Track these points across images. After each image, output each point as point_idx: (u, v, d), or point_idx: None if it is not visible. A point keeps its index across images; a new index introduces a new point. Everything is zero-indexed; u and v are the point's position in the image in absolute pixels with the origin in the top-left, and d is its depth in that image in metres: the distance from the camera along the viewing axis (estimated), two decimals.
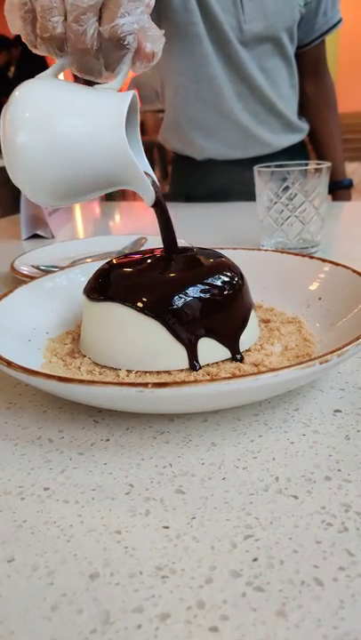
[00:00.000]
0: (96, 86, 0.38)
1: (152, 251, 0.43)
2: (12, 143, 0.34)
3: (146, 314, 0.35)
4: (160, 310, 0.35)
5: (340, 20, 1.06)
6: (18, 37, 0.38)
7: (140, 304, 0.36)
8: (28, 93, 0.35)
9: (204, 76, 1.00)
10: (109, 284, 0.39)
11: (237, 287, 0.38)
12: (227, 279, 0.38)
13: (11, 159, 0.35)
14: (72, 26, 0.35)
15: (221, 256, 0.41)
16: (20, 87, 0.35)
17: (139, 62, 0.38)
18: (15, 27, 0.37)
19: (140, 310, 0.36)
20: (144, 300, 0.36)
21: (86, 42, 0.35)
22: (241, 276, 0.40)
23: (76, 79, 0.39)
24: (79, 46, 0.35)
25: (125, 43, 0.36)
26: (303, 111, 1.13)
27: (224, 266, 0.39)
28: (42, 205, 0.39)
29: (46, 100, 0.35)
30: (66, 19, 0.35)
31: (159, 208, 0.40)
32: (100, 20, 0.35)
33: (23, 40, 0.37)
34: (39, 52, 0.37)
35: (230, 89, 1.02)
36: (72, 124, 0.35)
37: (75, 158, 0.35)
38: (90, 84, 0.39)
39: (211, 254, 0.41)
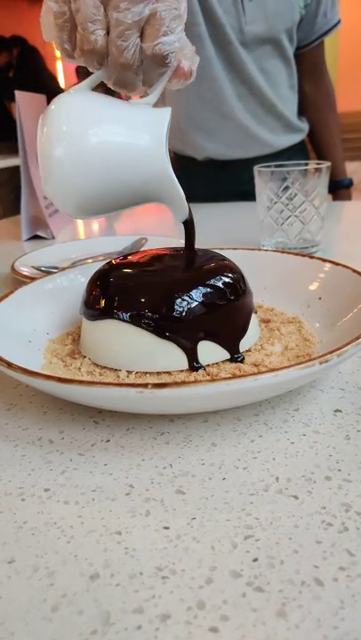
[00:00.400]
0: (131, 101, 0.38)
1: (149, 253, 0.43)
2: (49, 157, 0.34)
3: (144, 328, 0.35)
4: (158, 324, 0.35)
5: (339, 21, 1.06)
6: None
7: (137, 319, 0.36)
8: (64, 106, 0.35)
9: (206, 77, 1.00)
10: (105, 298, 0.38)
11: (239, 293, 0.38)
12: (228, 285, 0.38)
13: (47, 173, 0.35)
14: (115, 41, 0.34)
15: (223, 259, 0.41)
16: (56, 100, 0.35)
17: (176, 80, 0.38)
18: (49, 34, 0.36)
19: (138, 325, 0.36)
20: (141, 314, 0.36)
21: (129, 57, 0.35)
22: (243, 281, 0.40)
23: (107, 91, 0.39)
24: (121, 61, 0.35)
25: (167, 61, 0.36)
26: (303, 111, 1.13)
27: (225, 270, 0.39)
28: (71, 217, 0.39)
29: (84, 113, 0.35)
30: (108, 32, 0.35)
31: (189, 224, 0.40)
32: (142, 36, 0.35)
33: (56, 48, 0.37)
34: (75, 62, 0.37)
35: (231, 90, 1.02)
36: (111, 138, 0.34)
37: (112, 173, 0.35)
38: (115, 95, 0.39)
39: (211, 257, 0.41)
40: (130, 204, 0.38)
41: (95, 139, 0.34)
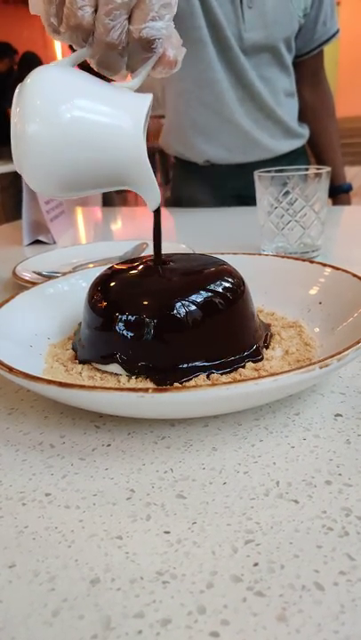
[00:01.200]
0: (113, 83, 0.37)
1: (143, 267, 0.42)
2: (23, 132, 0.33)
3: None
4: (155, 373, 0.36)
5: (338, 31, 1.08)
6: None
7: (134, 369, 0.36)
8: (40, 79, 0.34)
9: (207, 81, 1.01)
10: (102, 348, 0.38)
11: (236, 303, 0.38)
12: (226, 295, 0.38)
13: (20, 148, 0.34)
14: (102, 19, 0.34)
15: (222, 272, 0.40)
16: (32, 74, 0.34)
17: (160, 67, 0.39)
18: (36, 7, 0.36)
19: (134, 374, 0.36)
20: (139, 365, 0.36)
21: (115, 37, 0.35)
22: (241, 291, 0.40)
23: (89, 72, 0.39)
24: (107, 40, 0.35)
25: (153, 46, 0.36)
26: (303, 118, 1.14)
27: (224, 282, 0.39)
28: (44, 195, 0.38)
29: (63, 87, 0.34)
30: (96, 10, 0.34)
31: (158, 214, 0.40)
32: (130, 18, 0.35)
33: (43, 22, 0.36)
34: (60, 38, 0.36)
35: (232, 94, 1.03)
36: (89, 115, 0.34)
37: (87, 151, 0.34)
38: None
39: (211, 265, 0.40)
40: (105, 185, 0.37)
41: (72, 113, 0.33)
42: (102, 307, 0.38)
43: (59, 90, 0.34)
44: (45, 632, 0.20)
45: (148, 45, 0.36)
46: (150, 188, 0.38)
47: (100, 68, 0.38)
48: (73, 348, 0.42)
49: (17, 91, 0.34)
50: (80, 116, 0.33)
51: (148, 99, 0.36)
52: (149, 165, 0.36)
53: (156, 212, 0.40)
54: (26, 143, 0.33)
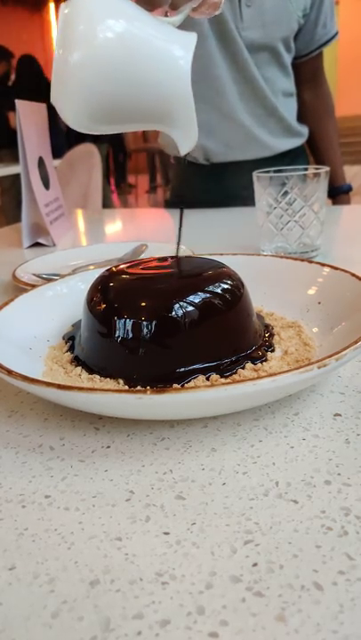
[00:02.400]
0: (157, 16, 0.36)
1: (142, 270, 0.42)
2: (67, 60, 0.32)
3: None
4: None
5: (337, 32, 1.09)
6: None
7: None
8: (81, 5, 0.32)
9: (208, 76, 1.01)
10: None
11: (235, 305, 0.39)
12: (225, 297, 0.38)
13: (62, 76, 0.32)
14: None
15: (221, 274, 0.40)
16: (69, 2, 0.32)
17: (204, 7, 0.38)
18: None
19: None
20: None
21: None
22: (240, 293, 0.40)
23: None
24: None
25: None
26: (302, 119, 1.14)
27: (223, 285, 0.39)
28: (78, 129, 0.36)
29: (109, 9, 0.32)
30: None
31: (182, 212, 0.40)
32: None
33: None
34: None
35: (234, 89, 1.02)
36: (140, 39, 0.33)
37: (134, 77, 0.33)
38: None
39: (209, 268, 0.41)
40: (140, 120, 0.36)
41: (119, 30, 0.31)
42: (100, 310, 0.38)
43: (104, 12, 0.32)
44: (45, 634, 0.21)
45: None
46: (189, 128, 0.36)
47: (141, 2, 0.37)
48: (70, 349, 0.42)
49: (60, 19, 0.33)
50: (128, 37, 0.32)
51: (195, 35, 0.35)
52: (193, 101, 0.35)
53: (181, 212, 0.40)
54: (70, 69, 0.32)
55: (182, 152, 0.38)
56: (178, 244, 0.42)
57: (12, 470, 0.31)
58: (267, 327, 0.44)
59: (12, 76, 3.74)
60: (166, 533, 0.25)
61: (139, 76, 0.33)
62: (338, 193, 1.18)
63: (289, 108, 1.09)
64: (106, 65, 0.32)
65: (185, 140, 0.37)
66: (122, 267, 0.42)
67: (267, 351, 0.40)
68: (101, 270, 0.44)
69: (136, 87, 0.33)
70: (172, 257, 0.44)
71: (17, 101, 0.87)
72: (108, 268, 0.43)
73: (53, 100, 0.34)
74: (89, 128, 0.36)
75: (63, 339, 0.44)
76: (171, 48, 0.34)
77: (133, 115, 0.35)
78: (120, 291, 0.39)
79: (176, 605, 0.21)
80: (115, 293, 0.39)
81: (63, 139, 3.23)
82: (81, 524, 0.26)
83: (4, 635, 0.21)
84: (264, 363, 0.38)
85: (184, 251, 0.69)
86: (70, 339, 0.43)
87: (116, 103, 0.34)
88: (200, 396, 0.28)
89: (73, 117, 0.35)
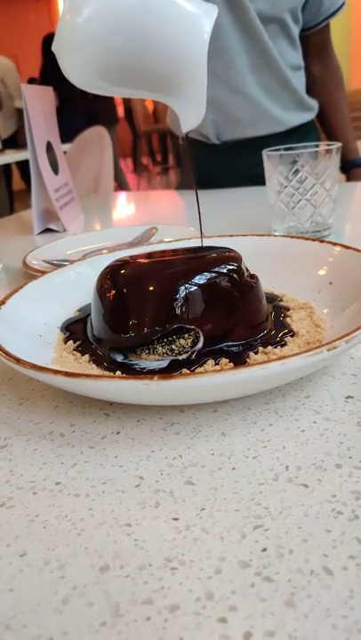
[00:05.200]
0: None
1: (151, 256, 0.42)
2: (80, 7, 0.31)
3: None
4: None
5: (343, 4, 1.06)
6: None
7: None
8: None
9: (217, 49, 0.98)
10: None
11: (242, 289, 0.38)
12: (233, 278, 0.37)
13: (72, 22, 0.31)
14: None
15: (228, 258, 0.39)
16: None
17: None
18: None
19: None
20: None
21: None
22: (248, 276, 0.39)
23: None
24: None
25: None
26: (312, 93, 1.12)
27: (229, 266, 0.38)
28: (80, 85, 0.35)
29: None
30: None
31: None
32: None
33: None
34: None
35: (244, 61, 1.00)
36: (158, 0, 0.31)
37: (148, 38, 0.32)
38: None
39: (215, 252, 0.40)
40: (147, 84, 0.35)
41: None
42: (110, 297, 0.38)
43: None
44: (55, 619, 0.21)
45: None
46: (197, 102, 0.35)
47: None
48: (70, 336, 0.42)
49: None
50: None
51: (216, 7, 0.33)
52: (206, 74, 0.33)
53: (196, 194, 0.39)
54: (82, 18, 0.31)
55: (186, 128, 0.37)
56: (200, 227, 0.41)
57: (24, 457, 0.31)
58: (280, 309, 0.43)
59: None
60: (176, 519, 0.25)
61: (154, 35, 0.32)
62: (352, 167, 1.16)
63: (299, 82, 1.07)
64: (121, 17, 0.31)
65: (191, 114, 0.36)
66: (133, 257, 0.42)
67: (285, 336, 0.39)
68: (111, 255, 0.43)
69: (149, 47, 0.32)
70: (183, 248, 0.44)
71: (23, 85, 0.86)
72: (118, 255, 0.42)
73: (57, 48, 0.33)
74: (93, 85, 0.34)
75: (61, 330, 0.44)
76: (193, 13, 0.32)
77: (142, 77, 0.34)
78: (129, 276, 0.39)
79: (185, 591, 0.21)
80: (124, 279, 0.39)
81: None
82: (91, 510, 0.26)
83: (15, 620, 0.21)
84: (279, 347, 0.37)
85: (193, 232, 0.69)
86: (71, 325, 0.43)
87: (126, 60, 0.32)
88: (207, 381, 0.27)
89: (78, 71, 0.33)
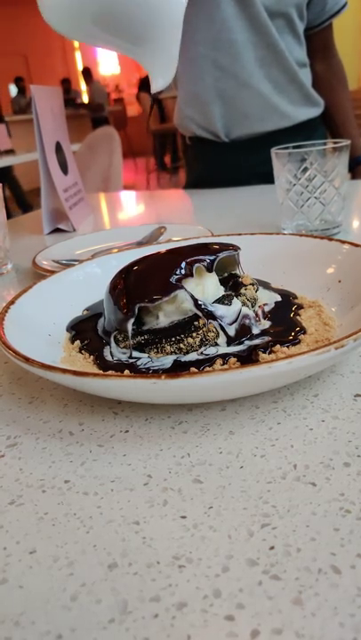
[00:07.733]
0: None
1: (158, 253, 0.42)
2: None
3: None
4: None
5: (346, 4, 1.06)
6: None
7: None
8: None
9: (224, 42, 0.98)
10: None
11: None
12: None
13: None
14: None
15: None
16: None
17: None
18: None
19: None
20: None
21: None
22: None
23: None
24: None
25: None
26: (315, 91, 1.11)
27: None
28: (55, 26, 0.35)
29: None
30: None
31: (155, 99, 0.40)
32: None
33: None
34: None
35: (251, 54, 0.99)
36: None
37: None
38: None
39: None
40: (126, 31, 0.35)
41: None
42: (122, 296, 0.38)
43: None
44: (64, 616, 0.21)
45: None
46: (168, 58, 0.35)
47: None
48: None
49: None
50: None
51: None
52: (181, 28, 0.34)
53: (155, 97, 0.39)
54: None
55: (155, 88, 0.37)
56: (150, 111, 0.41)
57: (33, 456, 0.31)
58: (293, 306, 0.43)
59: None
60: (183, 517, 0.25)
61: None
62: (356, 164, 1.15)
63: (306, 78, 1.07)
64: None
65: (160, 73, 0.36)
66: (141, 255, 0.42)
67: (298, 334, 0.39)
68: (119, 255, 0.44)
69: None
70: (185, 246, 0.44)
71: (32, 86, 0.86)
72: (128, 253, 0.42)
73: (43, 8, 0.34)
74: (67, 26, 0.34)
75: (67, 330, 0.44)
76: None
77: (118, 22, 0.34)
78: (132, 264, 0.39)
79: (193, 588, 0.21)
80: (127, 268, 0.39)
81: None
82: (99, 508, 0.26)
83: (24, 617, 0.21)
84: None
85: (201, 231, 0.69)
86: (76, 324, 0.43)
87: (103, 3, 0.33)
88: (215, 379, 0.27)
89: (54, 10, 0.33)
